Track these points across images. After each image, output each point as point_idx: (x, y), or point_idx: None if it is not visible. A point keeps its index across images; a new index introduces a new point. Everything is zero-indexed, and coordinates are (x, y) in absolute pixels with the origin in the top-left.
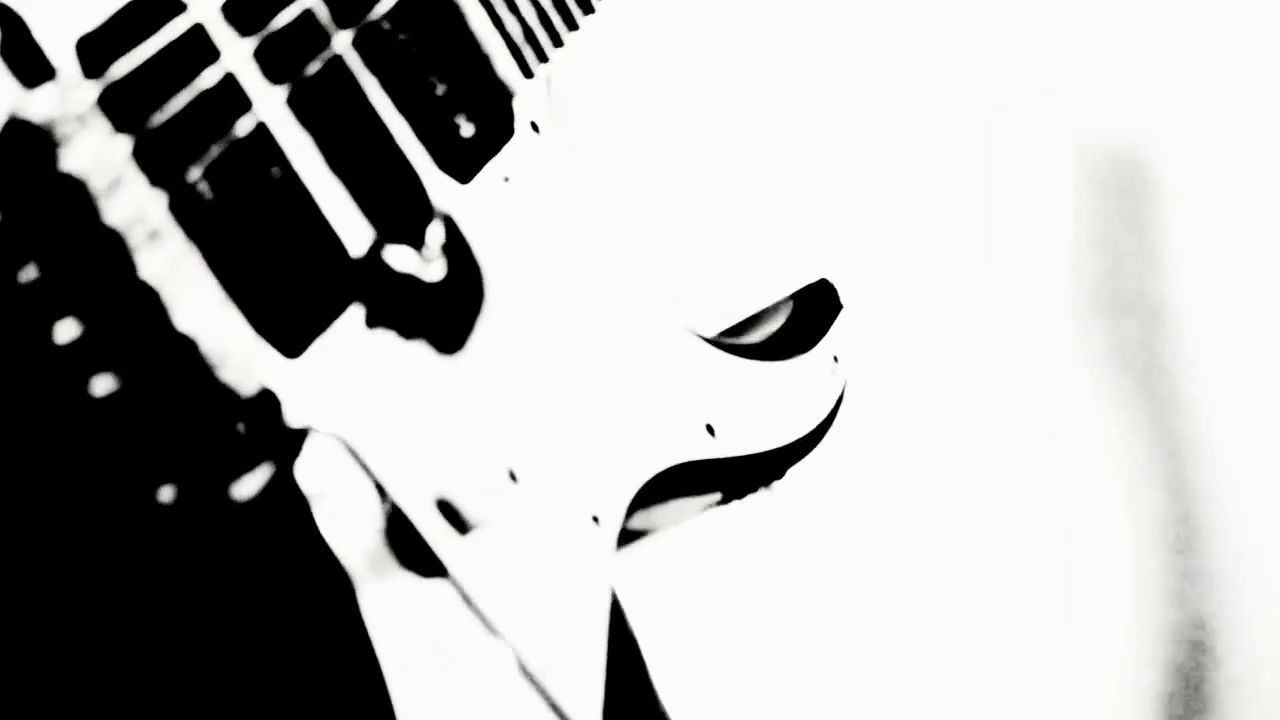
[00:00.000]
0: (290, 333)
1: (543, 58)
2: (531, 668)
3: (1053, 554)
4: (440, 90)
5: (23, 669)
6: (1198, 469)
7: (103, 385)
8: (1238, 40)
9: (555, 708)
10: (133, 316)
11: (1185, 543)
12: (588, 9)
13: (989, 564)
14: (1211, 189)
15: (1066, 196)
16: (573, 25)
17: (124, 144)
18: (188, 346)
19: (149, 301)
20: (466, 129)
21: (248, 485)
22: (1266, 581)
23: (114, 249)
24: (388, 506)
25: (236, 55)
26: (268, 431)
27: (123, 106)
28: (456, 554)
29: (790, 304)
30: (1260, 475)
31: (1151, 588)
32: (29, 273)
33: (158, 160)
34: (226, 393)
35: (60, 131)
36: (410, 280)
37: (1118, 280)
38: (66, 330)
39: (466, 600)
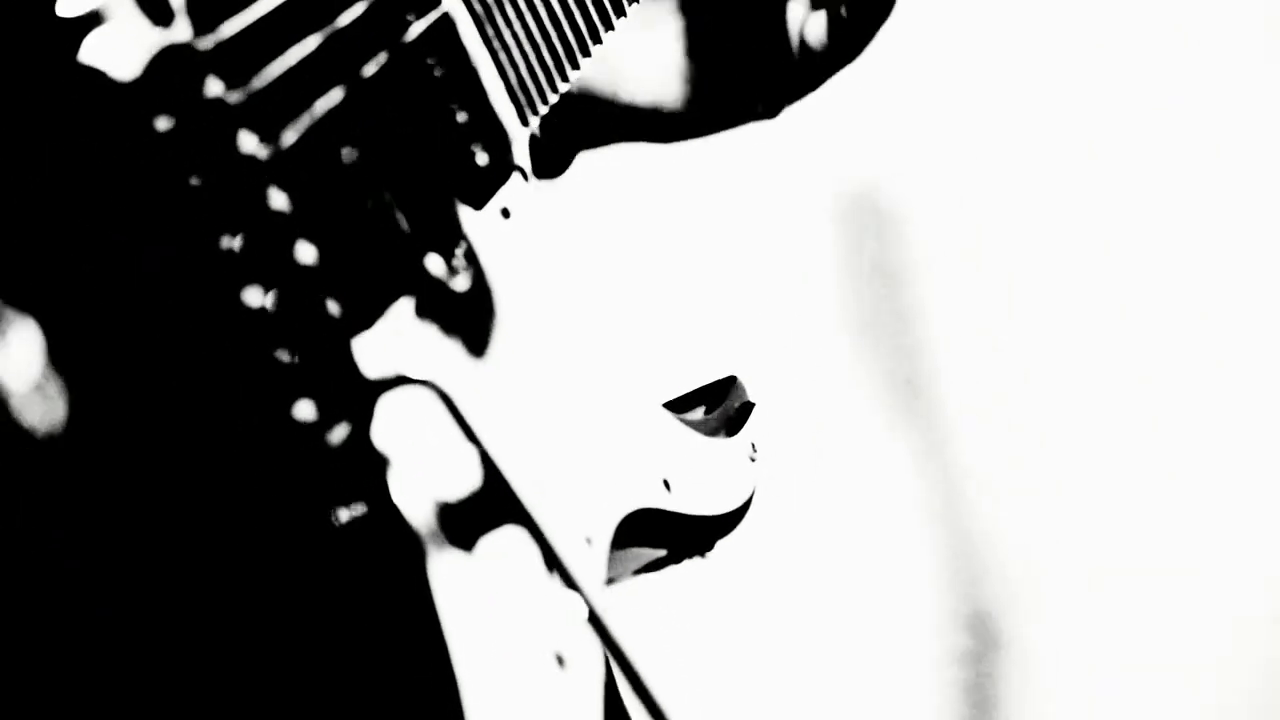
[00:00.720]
0: (364, 308)
1: (534, 110)
2: None
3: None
4: (461, 118)
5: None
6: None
7: (262, 299)
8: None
9: None
10: (266, 236)
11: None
12: (575, 65)
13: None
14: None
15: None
16: (564, 78)
17: (234, 96)
18: (312, 277)
19: (281, 225)
20: (481, 158)
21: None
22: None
23: (252, 172)
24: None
25: (314, 40)
26: (347, 384)
27: (232, 62)
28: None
29: (722, 389)
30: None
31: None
32: (195, 180)
33: (262, 118)
34: (338, 330)
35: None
36: (442, 286)
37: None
38: (227, 242)
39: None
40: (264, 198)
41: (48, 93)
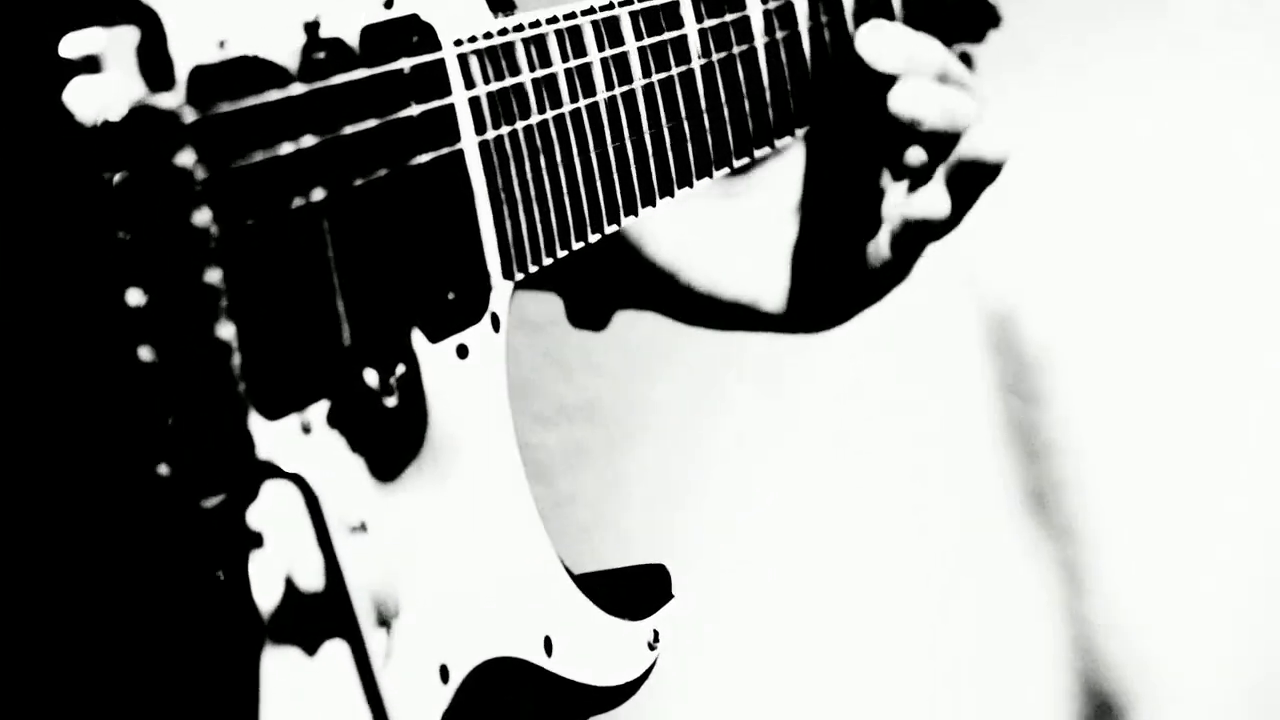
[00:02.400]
0: (275, 399)
1: (524, 268)
2: None
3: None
4: (442, 252)
5: None
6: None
7: (145, 354)
8: None
9: None
10: (188, 306)
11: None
12: (582, 239)
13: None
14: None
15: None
16: (565, 246)
17: (202, 171)
18: (222, 350)
19: (207, 300)
20: (450, 294)
21: (212, 502)
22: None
23: (191, 248)
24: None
25: (309, 140)
26: (240, 458)
27: (213, 139)
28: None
29: (647, 575)
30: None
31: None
32: (128, 235)
33: (225, 197)
34: (235, 405)
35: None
36: (372, 396)
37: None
38: (134, 297)
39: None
40: (198, 271)
41: (22, 122)
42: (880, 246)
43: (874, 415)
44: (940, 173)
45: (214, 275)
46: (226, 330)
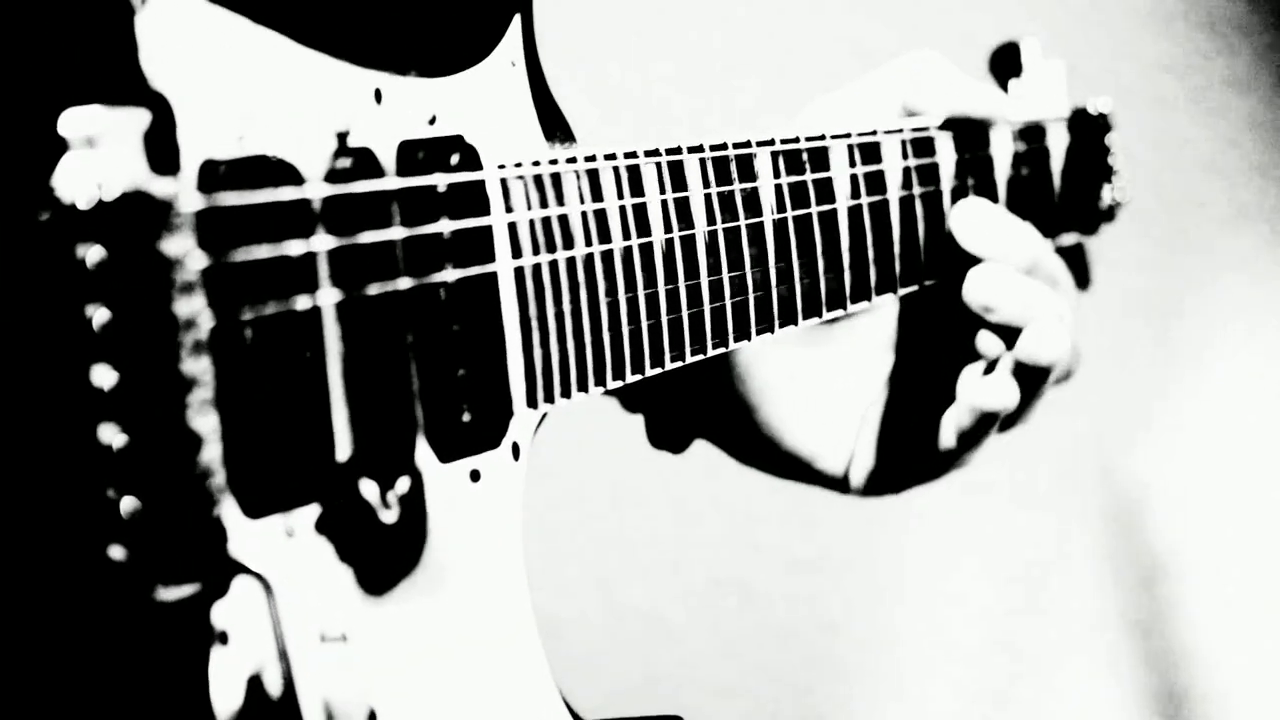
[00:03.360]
0: (257, 498)
1: (550, 399)
2: None
3: None
4: (461, 373)
5: None
6: None
7: (113, 438)
8: None
9: None
10: (161, 397)
11: None
12: (620, 376)
13: None
14: None
15: None
16: (601, 383)
17: (200, 259)
18: (194, 443)
19: (179, 391)
20: (466, 416)
21: (172, 592)
22: None
23: (170, 334)
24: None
25: (321, 243)
26: (209, 552)
27: (216, 231)
28: None
29: None
30: None
31: None
32: (101, 315)
33: (222, 288)
34: (202, 496)
35: (170, 217)
36: (368, 510)
37: None
38: (104, 377)
39: None
40: (175, 357)
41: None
42: (947, 426)
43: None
44: (1007, 363)
45: (198, 365)
46: (207, 421)
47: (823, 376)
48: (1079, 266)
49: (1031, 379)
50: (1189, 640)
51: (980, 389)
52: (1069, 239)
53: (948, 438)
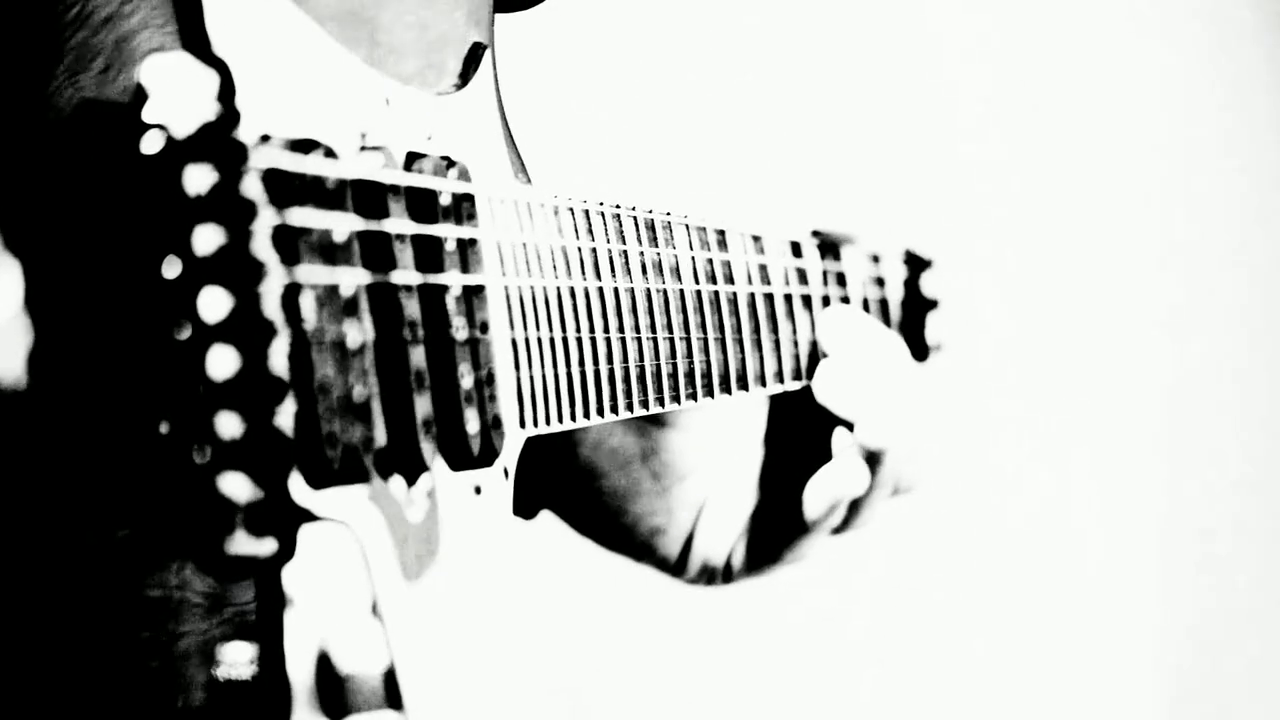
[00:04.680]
0: (320, 469)
1: (538, 423)
2: None
3: None
4: (466, 384)
5: None
6: None
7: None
8: None
9: None
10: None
11: None
12: (601, 413)
13: None
14: None
15: None
16: (576, 417)
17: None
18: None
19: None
20: (472, 426)
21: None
22: None
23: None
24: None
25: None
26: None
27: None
28: None
29: None
30: None
31: None
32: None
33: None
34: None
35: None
36: (397, 508)
37: None
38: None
39: None
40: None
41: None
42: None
43: None
44: (852, 450)
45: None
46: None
47: (675, 457)
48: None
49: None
50: None
51: (830, 475)
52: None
53: (808, 515)
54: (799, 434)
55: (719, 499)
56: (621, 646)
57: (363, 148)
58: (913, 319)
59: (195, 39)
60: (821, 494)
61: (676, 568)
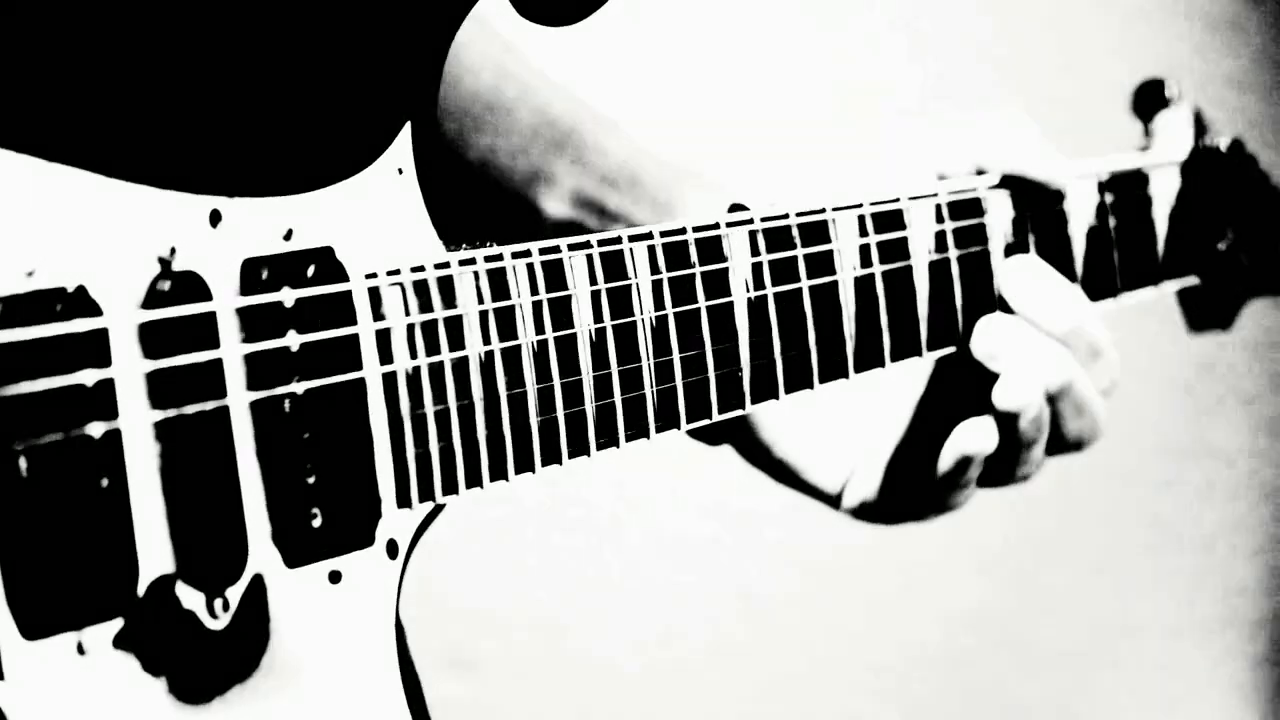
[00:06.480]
0: (36, 617)
1: (428, 497)
2: None
3: None
4: (310, 480)
5: None
6: None
7: None
8: None
9: None
10: None
11: None
12: (498, 476)
13: None
14: None
15: None
16: (476, 483)
17: None
18: None
19: None
20: (317, 521)
21: None
22: None
23: None
24: None
25: (129, 368)
26: None
27: None
28: None
29: None
30: None
31: None
32: None
33: None
34: None
35: None
36: (189, 618)
37: None
38: None
39: None
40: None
41: None
42: (941, 462)
43: None
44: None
45: None
46: None
47: (826, 397)
48: (1217, 308)
49: (1007, 429)
50: None
51: (959, 431)
52: (1177, 284)
53: (939, 468)
54: (962, 386)
55: (876, 444)
56: None
57: (163, 275)
58: (1195, 232)
59: None
60: (949, 450)
61: (834, 501)
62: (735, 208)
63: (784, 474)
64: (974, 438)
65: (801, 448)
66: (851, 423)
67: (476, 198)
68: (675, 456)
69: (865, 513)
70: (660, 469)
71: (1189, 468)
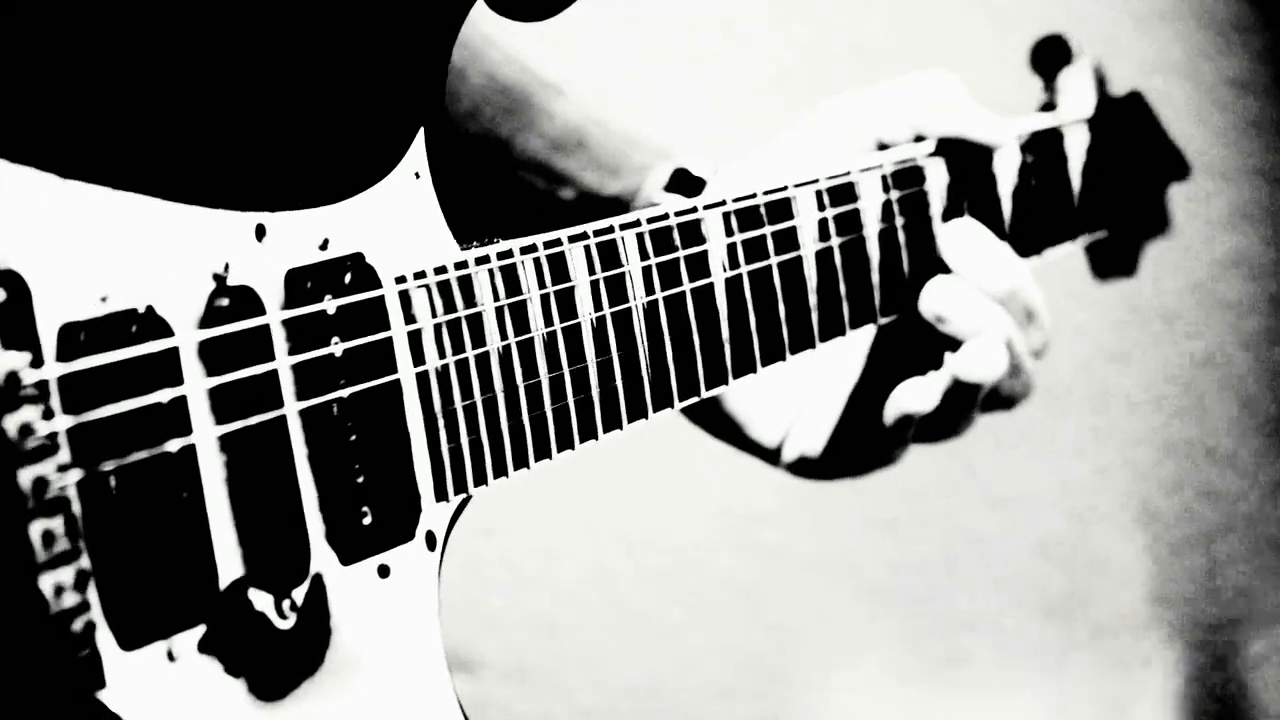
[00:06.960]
0: (132, 629)
1: (462, 490)
2: None
3: None
4: (360, 479)
5: None
6: None
7: None
8: None
9: None
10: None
11: None
12: (524, 464)
13: None
14: None
15: None
16: (521, 465)
17: (65, 421)
18: (40, 604)
19: (27, 553)
20: (368, 519)
21: None
22: None
23: (15, 505)
24: None
25: (197, 385)
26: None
27: (77, 391)
28: None
29: None
30: None
31: None
32: None
33: (85, 443)
34: (66, 640)
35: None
36: (261, 620)
37: None
38: None
39: None
40: (24, 523)
41: None
42: (880, 418)
43: None
44: (941, 373)
45: (53, 522)
46: (66, 571)
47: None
48: (1121, 257)
49: (960, 392)
50: None
51: (901, 391)
52: (1090, 238)
53: (884, 421)
54: (908, 348)
55: (816, 400)
56: None
57: (219, 292)
58: (1110, 183)
59: None
60: (891, 408)
61: (773, 455)
62: (680, 172)
63: (726, 430)
64: (916, 398)
65: (744, 403)
66: (790, 381)
67: (483, 191)
68: (675, 456)
69: (804, 468)
70: (660, 469)
71: (1189, 468)
